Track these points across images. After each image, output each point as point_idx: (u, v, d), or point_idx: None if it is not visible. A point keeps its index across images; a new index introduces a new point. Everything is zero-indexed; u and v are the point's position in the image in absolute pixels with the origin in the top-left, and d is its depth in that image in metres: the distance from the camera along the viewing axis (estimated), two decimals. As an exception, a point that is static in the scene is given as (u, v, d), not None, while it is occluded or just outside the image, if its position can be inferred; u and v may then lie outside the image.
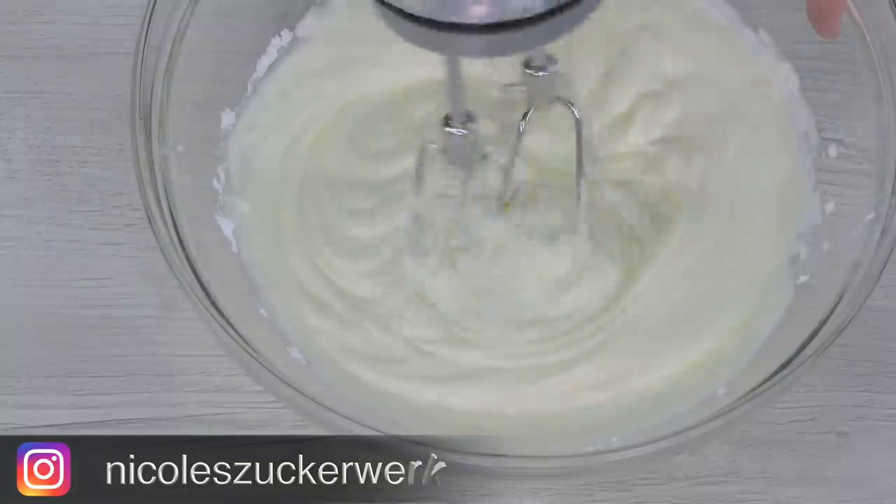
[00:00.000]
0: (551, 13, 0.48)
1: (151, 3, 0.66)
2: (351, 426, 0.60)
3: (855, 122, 0.70)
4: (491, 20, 0.48)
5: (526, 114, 0.66)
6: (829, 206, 0.70)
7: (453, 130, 0.62)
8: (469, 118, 0.62)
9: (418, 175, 0.67)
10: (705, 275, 0.69)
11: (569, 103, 0.65)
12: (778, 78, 0.73)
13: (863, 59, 0.67)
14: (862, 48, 0.67)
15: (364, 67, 0.74)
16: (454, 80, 0.59)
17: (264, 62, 0.74)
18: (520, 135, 0.67)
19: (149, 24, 0.66)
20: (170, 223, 0.64)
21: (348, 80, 0.74)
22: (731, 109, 0.73)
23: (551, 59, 0.63)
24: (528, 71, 0.63)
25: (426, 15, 0.48)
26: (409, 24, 0.49)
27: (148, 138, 0.65)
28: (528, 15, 0.48)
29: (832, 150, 0.71)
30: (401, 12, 0.48)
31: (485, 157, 0.68)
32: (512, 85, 0.67)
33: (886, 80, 0.67)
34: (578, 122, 0.65)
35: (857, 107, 0.69)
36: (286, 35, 0.75)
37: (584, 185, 0.68)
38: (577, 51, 0.73)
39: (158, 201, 0.64)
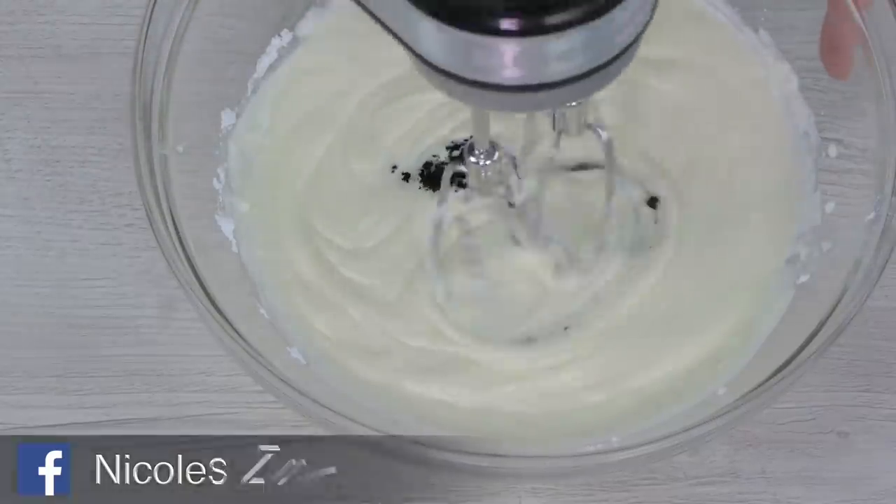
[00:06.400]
0: (586, 75, 0.46)
1: (151, 3, 0.66)
2: (351, 426, 0.60)
3: (855, 122, 0.70)
4: (525, 83, 0.46)
5: (558, 140, 0.66)
6: (829, 206, 0.70)
7: (477, 161, 0.62)
8: (493, 147, 0.62)
9: (442, 193, 0.68)
10: (705, 274, 0.69)
11: (597, 129, 0.65)
12: (778, 78, 0.73)
13: (863, 59, 0.67)
14: (862, 48, 0.67)
15: (364, 67, 0.74)
16: (481, 119, 0.58)
17: (264, 62, 0.74)
18: (549, 162, 0.68)
19: (149, 24, 0.66)
20: (170, 223, 0.64)
21: (348, 79, 0.74)
22: (730, 109, 0.73)
23: None
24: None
25: (457, 72, 0.46)
26: (437, 75, 0.47)
27: (148, 138, 0.65)
28: (562, 78, 0.46)
29: (832, 150, 0.71)
30: (432, 65, 0.47)
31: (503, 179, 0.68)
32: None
33: (886, 80, 0.67)
34: (607, 145, 0.66)
35: (857, 107, 0.69)
36: (286, 35, 0.75)
37: (613, 204, 0.68)
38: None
39: (158, 201, 0.64)
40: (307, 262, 0.70)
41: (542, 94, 0.46)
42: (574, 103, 0.61)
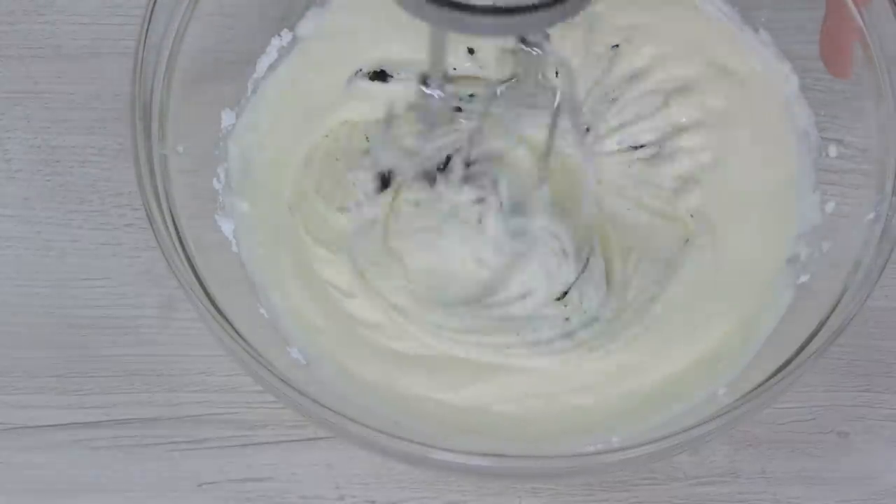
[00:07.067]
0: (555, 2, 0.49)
1: (151, 3, 0.66)
2: (351, 426, 0.60)
3: (855, 122, 0.70)
4: (501, 3, 0.48)
5: (506, 81, 0.66)
6: (829, 206, 0.70)
7: (430, 91, 0.62)
8: (447, 79, 0.62)
9: (384, 132, 0.67)
10: (705, 275, 0.69)
11: (552, 87, 0.65)
12: (778, 78, 0.73)
13: (863, 59, 0.67)
14: (862, 48, 0.67)
15: (363, 67, 0.74)
16: (440, 43, 0.58)
17: (264, 62, 0.74)
18: (494, 98, 0.67)
19: (149, 24, 0.66)
20: (170, 223, 0.64)
21: (348, 79, 0.74)
22: (730, 109, 0.73)
23: (546, 39, 0.62)
24: (522, 46, 0.62)
25: None
26: None
27: (148, 138, 0.65)
28: (535, 1, 0.48)
29: (832, 150, 0.71)
30: None
31: (455, 114, 0.68)
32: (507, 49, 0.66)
33: (886, 80, 0.67)
34: (557, 109, 0.65)
35: (857, 107, 0.69)
36: (286, 35, 0.75)
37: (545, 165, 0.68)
38: (574, 56, 0.73)
39: (158, 201, 0.64)
40: (307, 261, 0.70)
41: (509, 19, 0.49)
42: (536, 51, 0.61)
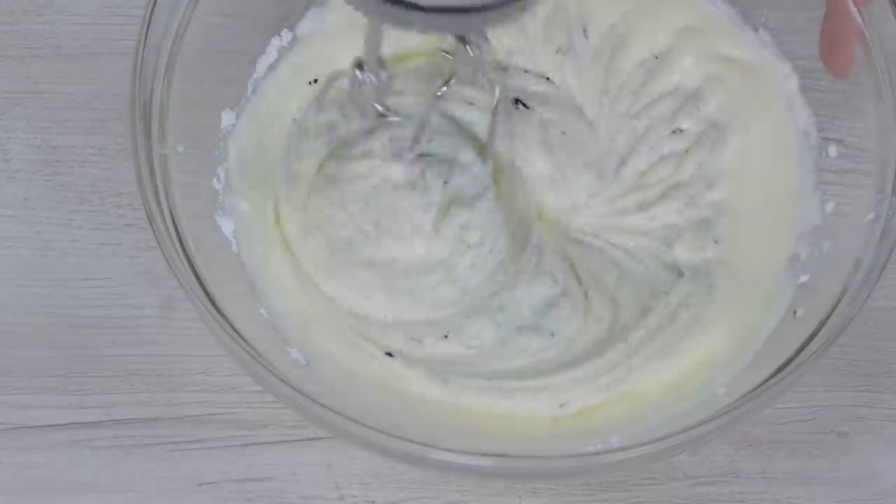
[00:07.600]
0: (503, 4, 0.49)
1: (151, 3, 0.66)
2: (351, 426, 0.60)
3: (855, 122, 0.70)
4: (444, 4, 0.49)
5: (447, 81, 0.66)
6: (829, 206, 0.70)
7: (364, 76, 0.62)
8: (381, 65, 0.62)
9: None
10: (705, 275, 0.69)
11: (494, 82, 0.65)
12: (778, 78, 0.73)
13: (863, 60, 0.67)
14: (862, 48, 0.67)
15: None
16: (377, 30, 0.59)
17: (264, 62, 0.74)
18: (437, 97, 0.68)
19: (149, 24, 0.66)
20: (170, 223, 0.64)
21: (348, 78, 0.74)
22: (730, 109, 0.73)
23: (485, 39, 0.63)
24: (461, 44, 0.63)
25: None
26: None
27: (148, 138, 0.65)
28: (480, 4, 0.49)
29: (832, 150, 0.71)
30: None
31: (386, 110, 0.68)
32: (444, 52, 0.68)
33: (886, 80, 0.67)
34: (498, 102, 0.66)
35: (857, 107, 0.69)
36: (286, 35, 0.75)
37: (488, 164, 0.69)
38: (572, 61, 0.73)
39: (158, 201, 0.64)
40: (307, 261, 0.70)
41: (450, 18, 0.50)
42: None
